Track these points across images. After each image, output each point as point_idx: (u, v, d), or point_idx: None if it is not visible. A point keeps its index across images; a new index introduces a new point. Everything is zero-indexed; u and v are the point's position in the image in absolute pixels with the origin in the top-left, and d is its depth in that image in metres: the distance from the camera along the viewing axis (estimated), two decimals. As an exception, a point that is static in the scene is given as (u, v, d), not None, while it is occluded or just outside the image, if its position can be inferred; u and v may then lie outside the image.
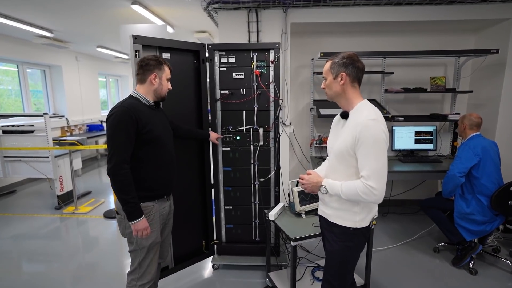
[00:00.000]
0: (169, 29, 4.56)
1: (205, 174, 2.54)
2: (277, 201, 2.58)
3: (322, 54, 3.03)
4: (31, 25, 4.28)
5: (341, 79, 1.41)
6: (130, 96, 1.70)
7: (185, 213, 2.46)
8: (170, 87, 1.77)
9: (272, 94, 2.42)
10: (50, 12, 3.83)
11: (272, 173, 2.53)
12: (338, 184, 1.39)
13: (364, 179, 1.30)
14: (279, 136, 2.46)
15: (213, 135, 2.41)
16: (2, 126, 4.15)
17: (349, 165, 1.39)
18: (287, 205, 2.36)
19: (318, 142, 3.63)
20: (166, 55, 2.19)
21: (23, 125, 4.24)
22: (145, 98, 1.69)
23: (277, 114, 2.42)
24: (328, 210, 1.51)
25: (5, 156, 4.02)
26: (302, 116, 3.85)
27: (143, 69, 1.67)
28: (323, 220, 1.58)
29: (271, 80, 2.42)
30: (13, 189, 4.93)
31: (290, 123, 3.33)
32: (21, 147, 3.93)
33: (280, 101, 2.40)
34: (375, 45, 3.59)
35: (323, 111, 3.42)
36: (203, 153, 2.51)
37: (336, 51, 3.20)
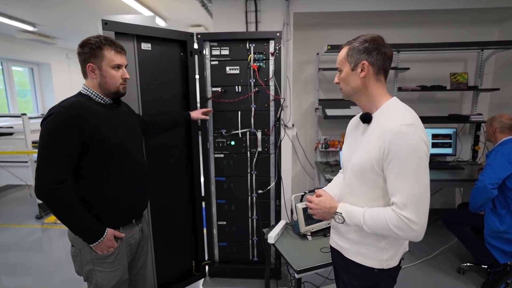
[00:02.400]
0: (161, 22, 4.21)
1: (194, 184, 2.19)
2: (277, 216, 2.23)
3: (329, 47, 2.67)
4: (10, 17, 3.94)
5: (361, 69, 1.05)
6: (79, 93, 1.33)
7: (171, 230, 2.11)
8: (126, 76, 1.35)
9: (272, 92, 2.07)
10: (29, 2, 3.49)
11: (272, 184, 2.17)
12: (359, 212, 1.03)
13: (398, 207, 0.94)
14: (281, 141, 2.10)
15: (195, 113, 1.99)
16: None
17: (373, 186, 1.03)
18: (289, 223, 2.00)
19: (324, 146, 3.27)
20: (146, 46, 1.84)
21: (1, 127, 3.91)
22: (98, 94, 1.32)
23: (278, 116, 2.07)
24: (344, 243, 1.16)
25: (-19, 161, 3.68)
26: (306, 117, 3.49)
27: (80, 60, 1.30)
28: (336, 255, 1.22)
29: (271, 76, 2.06)
30: (-5, 195, 4.59)
31: (293, 125, 2.97)
32: (-3, 151, 3.60)
33: (282, 100, 2.05)
34: (387, 38, 3.18)
35: (330, 112, 3.07)
36: (191, 160, 2.16)
37: (342, 44, 2.89)
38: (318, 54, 3.21)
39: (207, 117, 2.05)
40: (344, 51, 1.10)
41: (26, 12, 3.86)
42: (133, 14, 3.76)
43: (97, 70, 1.29)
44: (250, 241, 2.29)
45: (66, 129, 1.16)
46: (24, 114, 3.45)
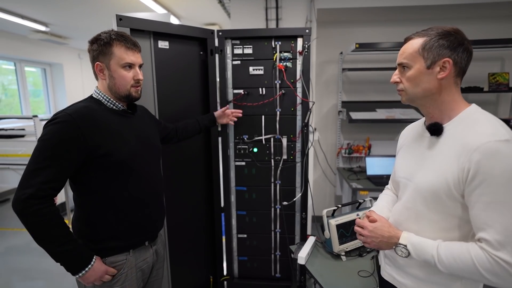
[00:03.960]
0: (175, 21, 4.07)
1: (214, 194, 2.02)
2: (303, 230, 2.04)
3: (357, 45, 2.47)
4: (22, 17, 3.86)
5: (440, 69, 0.85)
6: (90, 97, 1.17)
7: (187, 243, 1.95)
8: (138, 76, 1.16)
9: (300, 95, 1.88)
10: (42, 2, 3.39)
11: (299, 196, 1.98)
12: (431, 246, 0.83)
13: (492, 247, 0.74)
14: (309, 148, 1.91)
15: (218, 114, 1.80)
16: (-10, 129, 3.74)
17: (447, 214, 0.84)
18: (319, 240, 1.81)
19: (347, 151, 3.06)
20: (163, 44, 1.68)
21: (12, 129, 3.83)
22: (109, 99, 1.16)
23: (306, 121, 1.88)
24: (405, 279, 0.96)
25: (-8, 163, 3.60)
26: (327, 120, 3.29)
27: (90, 59, 1.14)
28: (391, 290, 1.02)
29: (298, 77, 1.87)
30: (6, 197, 4.53)
31: (315, 129, 2.78)
32: (8, 153, 3.51)
33: (311, 104, 1.86)
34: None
35: (355, 115, 2.86)
36: (210, 168, 1.99)
37: (367, 41, 2.67)
38: (341, 53, 3.00)
39: (235, 119, 1.85)
40: (417, 43, 0.88)
41: (39, 12, 3.77)
42: (146, 12, 3.63)
43: (106, 70, 1.12)
44: (273, 256, 2.11)
45: (65, 139, 1.00)
46: (36, 116, 3.35)
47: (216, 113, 1.81)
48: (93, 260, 1.06)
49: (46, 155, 0.99)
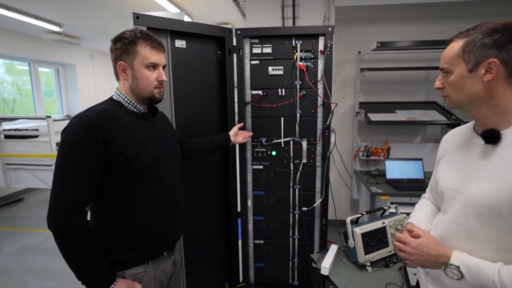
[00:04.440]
0: (188, 20, 4.03)
1: (230, 199, 1.95)
2: (323, 237, 1.96)
3: (379, 44, 2.37)
4: (36, 18, 3.87)
5: (486, 71, 0.76)
6: (110, 99, 1.12)
7: (202, 249, 1.89)
8: (162, 77, 1.10)
9: (321, 96, 1.80)
10: (55, 2, 3.39)
11: (319, 201, 1.90)
12: (491, 269, 0.74)
13: None
14: (330, 152, 1.83)
15: (233, 133, 1.74)
16: (4, 130, 3.76)
17: (510, 232, 0.74)
18: (341, 248, 1.72)
19: (365, 154, 2.96)
20: (180, 43, 1.62)
21: (26, 129, 3.84)
22: (130, 101, 1.10)
23: (327, 123, 1.80)
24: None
25: (7, 164, 3.62)
26: (344, 121, 3.19)
27: (111, 58, 1.09)
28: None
29: (319, 77, 1.79)
30: (20, 197, 4.56)
31: (333, 131, 2.69)
32: (22, 153, 3.52)
33: (333, 106, 1.77)
34: (441, 33, 2.86)
35: (374, 117, 2.76)
36: (227, 172, 1.92)
37: (388, 40, 2.56)
38: (359, 52, 2.90)
39: (245, 139, 1.81)
40: (457, 45, 0.81)
41: (53, 12, 3.78)
42: (160, 11, 3.59)
43: (129, 70, 1.07)
44: (291, 263, 2.03)
45: (88, 145, 0.94)
46: (49, 117, 3.34)
47: (231, 132, 1.74)
48: (116, 280, 1.01)
49: (73, 164, 0.94)
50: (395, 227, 1.62)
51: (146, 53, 1.06)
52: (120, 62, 1.06)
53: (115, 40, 1.06)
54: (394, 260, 1.57)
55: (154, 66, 1.08)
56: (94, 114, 0.98)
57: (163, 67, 1.13)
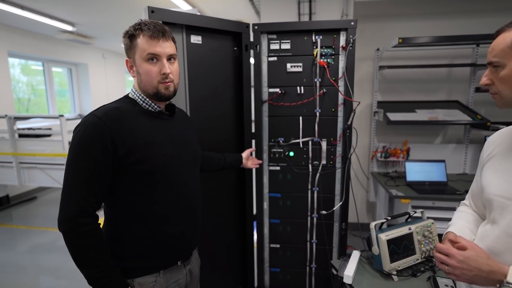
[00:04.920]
0: (200, 19, 3.98)
1: (246, 201, 1.88)
2: (342, 242, 1.87)
3: (400, 40, 2.26)
4: (50, 17, 3.88)
5: None
6: (125, 97, 1.06)
7: (216, 252, 1.82)
8: (165, 70, 0.97)
9: (342, 94, 1.71)
10: (68, 1, 3.38)
11: (339, 205, 1.81)
12: None
13: None
14: (352, 153, 1.74)
15: (245, 155, 1.67)
16: (19, 129, 3.78)
17: None
18: (363, 254, 1.63)
19: (383, 155, 2.85)
20: (196, 39, 1.55)
21: (39, 128, 3.86)
22: (145, 99, 1.03)
23: (349, 122, 1.71)
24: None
25: (20, 162, 3.64)
26: (360, 121, 3.08)
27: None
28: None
29: (341, 74, 1.70)
30: (34, 195, 4.60)
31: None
32: (36, 152, 3.53)
33: (355, 104, 1.68)
34: (464, 28, 2.72)
35: (393, 116, 2.65)
36: (243, 173, 1.85)
37: (410, 36, 2.45)
38: (378, 49, 2.79)
39: (256, 166, 1.76)
40: (509, 36, 0.72)
41: (66, 11, 3.78)
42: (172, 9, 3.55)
43: (134, 66, 1.00)
44: (308, 268, 1.95)
45: (96, 145, 0.89)
46: (62, 116, 3.34)
47: (244, 154, 1.67)
48: None
49: (81, 165, 0.89)
50: (422, 234, 1.52)
51: (143, 44, 0.96)
52: (127, 59, 1.02)
53: (123, 36, 1.01)
54: (422, 269, 1.47)
55: (153, 57, 0.97)
56: (103, 113, 0.93)
57: (170, 58, 1.01)
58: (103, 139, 0.89)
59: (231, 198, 1.86)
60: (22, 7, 3.50)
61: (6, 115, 3.48)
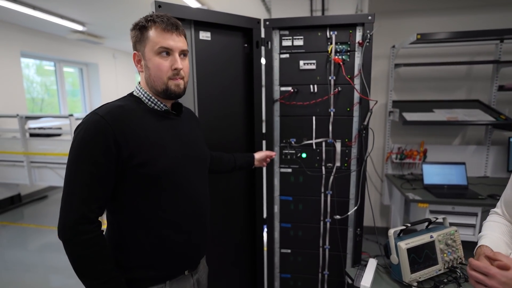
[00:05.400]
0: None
1: (256, 204, 1.81)
2: (357, 249, 1.78)
3: (419, 36, 2.15)
4: (61, 17, 3.89)
5: None
6: (129, 95, 1.00)
7: (224, 256, 1.76)
8: (177, 65, 0.92)
9: (359, 92, 1.62)
10: (79, 0, 3.38)
11: (353, 210, 1.72)
12: None
13: None
14: (368, 155, 1.64)
15: (259, 157, 1.56)
16: (30, 128, 3.81)
17: None
18: (379, 261, 1.54)
19: (398, 157, 2.73)
20: (204, 35, 1.49)
21: (50, 128, 3.88)
22: (150, 97, 0.97)
23: (366, 122, 1.62)
24: None
25: (31, 162, 3.66)
26: (374, 121, 2.97)
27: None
28: None
29: (357, 72, 1.61)
30: (45, 194, 4.64)
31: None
32: (46, 152, 3.54)
33: (373, 103, 1.59)
34: (487, 23, 2.58)
35: (410, 116, 2.53)
36: (253, 175, 1.78)
37: (427, 32, 2.33)
38: (394, 47, 2.68)
39: (265, 164, 1.64)
40: None
41: (76, 11, 3.79)
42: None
43: (142, 60, 0.94)
44: (320, 275, 1.87)
45: (98, 146, 0.82)
46: (71, 115, 3.34)
47: (257, 156, 1.55)
48: None
49: (82, 168, 0.83)
50: (444, 242, 1.42)
51: (156, 36, 0.90)
52: (135, 52, 0.95)
53: (132, 28, 0.95)
54: (445, 280, 1.37)
55: (167, 52, 0.91)
56: (105, 111, 0.86)
57: (182, 54, 0.96)
58: (106, 139, 0.83)
59: (240, 200, 1.80)
60: (34, 7, 3.51)
61: (17, 115, 3.50)
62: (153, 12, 0.97)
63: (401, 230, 1.45)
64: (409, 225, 1.46)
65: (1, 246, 3.16)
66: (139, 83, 1.00)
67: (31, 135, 3.70)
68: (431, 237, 1.41)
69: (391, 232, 1.40)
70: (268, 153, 1.61)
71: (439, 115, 2.56)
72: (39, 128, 3.88)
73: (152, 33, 0.90)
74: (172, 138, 0.97)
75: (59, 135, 3.73)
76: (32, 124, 4.23)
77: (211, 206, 1.59)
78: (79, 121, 0.93)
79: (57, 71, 5.29)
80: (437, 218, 1.54)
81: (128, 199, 0.90)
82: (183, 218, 0.98)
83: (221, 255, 1.73)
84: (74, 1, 3.41)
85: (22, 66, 4.21)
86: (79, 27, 4.36)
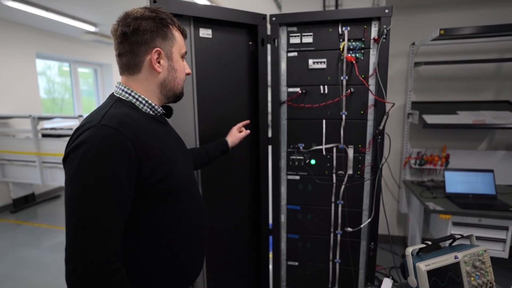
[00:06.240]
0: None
1: (261, 213, 1.69)
2: (370, 264, 1.63)
3: (442, 32, 1.97)
4: (74, 18, 3.91)
5: None
6: (118, 101, 0.82)
7: (227, 269, 1.65)
8: (188, 70, 0.94)
9: (373, 94, 1.48)
10: (90, 1, 3.38)
11: (367, 222, 1.58)
12: None
13: None
14: (383, 163, 1.49)
15: (232, 137, 1.39)
16: (42, 129, 3.85)
17: None
18: (397, 283, 1.39)
19: (418, 162, 2.54)
20: (205, 32, 1.39)
21: (61, 128, 3.91)
22: (147, 101, 0.85)
23: (381, 127, 1.47)
24: None
25: (43, 162, 3.69)
26: (391, 124, 2.77)
27: (130, 42, 0.81)
28: None
29: (372, 71, 1.47)
30: (58, 193, 4.70)
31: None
32: (57, 152, 3.56)
33: (389, 106, 1.44)
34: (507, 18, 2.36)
35: (430, 119, 2.35)
36: (258, 182, 1.67)
37: (451, 27, 2.14)
38: (413, 44, 2.50)
39: (247, 132, 1.44)
40: None
41: (88, 12, 3.80)
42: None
43: (165, 60, 0.85)
44: (330, 291, 1.73)
45: (119, 166, 0.69)
46: (81, 116, 3.34)
47: (230, 138, 1.38)
48: None
49: (102, 196, 0.68)
50: (472, 264, 1.25)
51: (181, 39, 0.89)
52: (157, 48, 0.82)
53: (141, 18, 0.81)
54: (471, 307, 1.21)
55: (184, 55, 0.92)
56: (115, 121, 0.72)
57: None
58: (128, 157, 0.70)
59: (245, 209, 1.68)
60: (47, 9, 3.53)
61: (30, 115, 3.54)
62: (160, 10, 0.86)
63: (420, 249, 1.30)
64: (429, 243, 1.30)
65: (16, 244, 3.21)
66: (124, 84, 0.85)
67: (43, 135, 3.73)
68: (456, 257, 1.24)
69: (408, 250, 1.25)
70: (239, 125, 1.42)
71: (463, 117, 2.36)
72: (51, 129, 3.91)
73: (177, 34, 0.88)
74: (175, 146, 0.91)
75: (69, 135, 3.74)
76: (46, 124, 4.28)
77: (215, 215, 1.50)
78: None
79: (71, 71, 5.37)
80: (462, 235, 1.37)
81: (140, 219, 0.79)
82: (195, 227, 0.92)
83: (223, 266, 1.63)
84: (85, 2, 3.41)
85: (44, 67, 4.31)
86: (92, 28, 4.38)
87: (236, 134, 1.40)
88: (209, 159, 1.31)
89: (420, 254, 1.29)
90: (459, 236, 1.35)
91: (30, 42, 4.27)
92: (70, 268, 0.65)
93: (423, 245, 1.28)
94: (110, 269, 0.67)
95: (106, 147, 0.68)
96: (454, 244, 1.36)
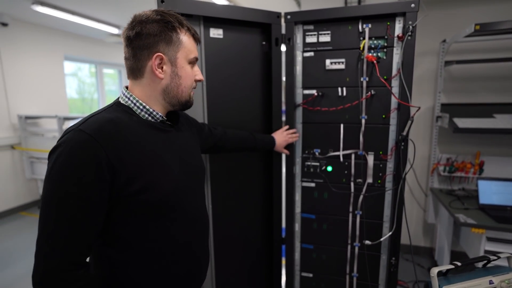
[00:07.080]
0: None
1: (274, 221, 1.61)
2: (391, 280, 1.50)
3: (478, 27, 1.79)
4: (98, 21, 4.03)
5: None
6: (116, 104, 0.81)
7: (236, 278, 1.59)
8: (200, 77, 0.88)
9: (397, 96, 1.35)
10: (113, 4, 3.45)
11: (388, 235, 1.45)
12: None
13: None
14: (407, 171, 1.37)
15: (279, 140, 1.46)
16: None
17: None
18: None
19: (447, 169, 2.35)
20: (216, 32, 1.33)
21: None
22: (145, 107, 0.81)
23: (404, 133, 1.34)
24: None
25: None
26: (418, 127, 2.60)
27: (133, 46, 0.79)
28: None
29: (395, 72, 1.35)
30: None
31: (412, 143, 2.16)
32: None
33: (414, 110, 1.31)
34: None
35: (462, 122, 2.16)
36: (271, 188, 1.59)
37: (484, 21, 1.94)
38: (444, 41, 2.31)
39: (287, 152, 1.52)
40: None
41: (110, 14, 3.90)
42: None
43: (168, 65, 0.80)
44: (346, 306, 1.62)
45: (87, 173, 0.67)
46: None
47: (276, 136, 1.46)
48: None
49: (68, 202, 0.66)
50: (509, 289, 1.11)
51: (190, 44, 0.83)
52: (159, 53, 0.78)
53: (145, 21, 0.78)
54: None
55: (194, 60, 0.86)
56: (93, 127, 0.70)
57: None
58: (98, 164, 0.68)
59: (258, 217, 1.61)
60: (73, 13, 3.66)
61: (56, 115, 3.67)
62: (164, 10, 0.81)
63: (448, 270, 1.16)
64: (459, 264, 1.16)
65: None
66: (128, 89, 0.84)
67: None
68: (491, 282, 1.10)
69: (434, 271, 1.12)
70: (289, 132, 1.49)
71: (502, 121, 2.15)
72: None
73: (186, 39, 0.82)
74: (171, 155, 0.84)
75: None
76: (71, 124, 4.44)
77: (225, 221, 1.44)
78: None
79: (97, 73, 5.56)
80: (499, 256, 1.22)
81: (125, 229, 0.76)
82: (188, 242, 0.87)
83: (234, 274, 1.57)
84: (108, 5, 3.49)
85: (76, 68, 4.51)
86: (115, 30, 4.49)
87: (284, 138, 1.47)
88: (256, 144, 1.37)
89: (449, 276, 1.16)
90: (495, 258, 1.20)
91: (58, 45, 4.45)
92: (34, 266, 0.67)
93: (451, 266, 1.15)
94: (69, 277, 0.67)
95: (76, 154, 0.67)
96: (488, 265, 1.21)
